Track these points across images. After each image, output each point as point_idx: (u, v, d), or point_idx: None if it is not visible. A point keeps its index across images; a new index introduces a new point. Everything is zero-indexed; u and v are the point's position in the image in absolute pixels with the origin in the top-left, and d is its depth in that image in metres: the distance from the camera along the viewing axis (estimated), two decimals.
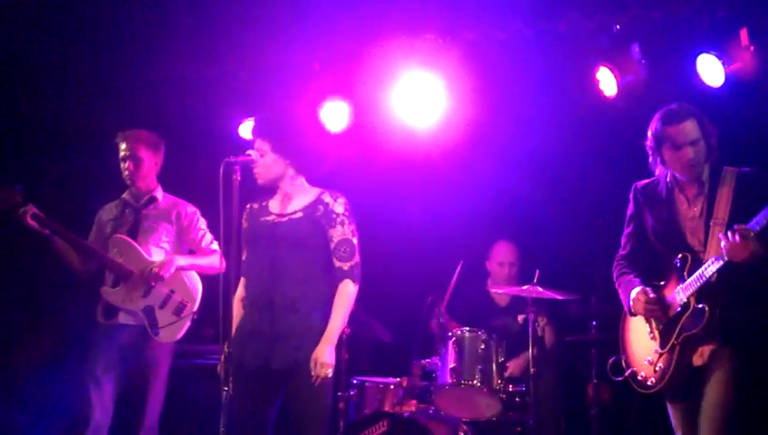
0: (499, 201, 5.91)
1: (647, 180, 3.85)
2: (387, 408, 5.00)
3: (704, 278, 3.46)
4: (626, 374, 3.79)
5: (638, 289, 3.68)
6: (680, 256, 3.59)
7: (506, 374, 4.94)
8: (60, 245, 4.67)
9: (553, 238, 5.80)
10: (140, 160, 4.78)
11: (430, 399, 5.01)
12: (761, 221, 3.31)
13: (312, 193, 3.91)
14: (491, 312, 5.58)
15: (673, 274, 3.64)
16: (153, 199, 4.85)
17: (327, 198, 3.87)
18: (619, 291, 3.83)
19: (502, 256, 5.69)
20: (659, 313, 3.61)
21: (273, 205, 3.93)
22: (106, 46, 5.53)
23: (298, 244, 3.79)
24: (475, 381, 4.87)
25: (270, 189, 3.97)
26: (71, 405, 4.63)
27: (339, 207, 3.84)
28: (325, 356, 3.68)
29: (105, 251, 4.70)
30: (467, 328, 5.04)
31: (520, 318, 5.28)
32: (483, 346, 4.94)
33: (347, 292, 3.80)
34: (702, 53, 5.00)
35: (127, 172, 4.78)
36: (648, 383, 3.67)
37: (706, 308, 3.45)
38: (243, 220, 3.93)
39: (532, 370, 4.85)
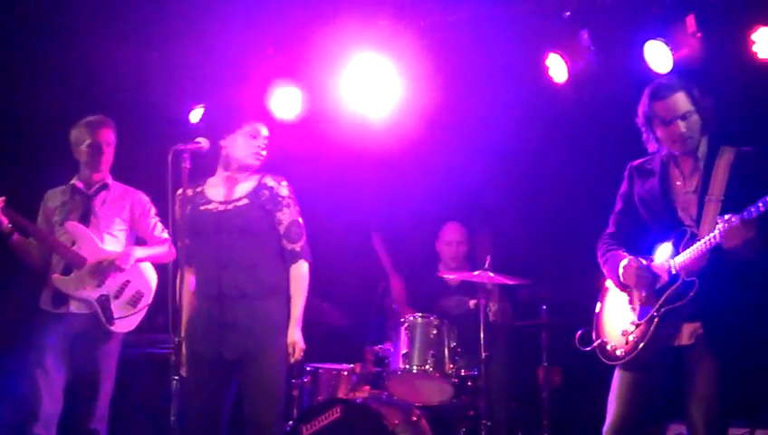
0: (451, 187, 5.93)
1: (642, 159, 3.76)
2: (340, 394, 5.00)
3: (699, 253, 3.39)
4: (594, 345, 3.76)
5: (628, 258, 3.61)
6: (679, 229, 3.53)
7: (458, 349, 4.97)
8: (20, 240, 4.58)
9: (505, 224, 5.84)
10: (111, 146, 4.71)
11: (383, 384, 5.04)
12: (759, 209, 3.23)
13: (252, 178, 3.89)
14: (442, 293, 5.60)
15: (664, 247, 3.57)
16: (105, 187, 4.77)
17: (270, 182, 3.86)
18: (605, 266, 3.75)
19: (450, 236, 5.73)
20: (650, 280, 3.55)
21: (214, 192, 3.88)
22: (53, 31, 5.42)
23: (246, 231, 3.77)
24: (427, 367, 4.90)
25: (198, 173, 3.93)
26: (17, 397, 4.54)
27: (284, 189, 3.87)
28: (299, 339, 3.79)
29: (55, 238, 4.61)
30: (420, 314, 5.06)
31: (471, 303, 5.31)
32: (435, 332, 4.97)
33: (302, 272, 3.87)
34: (650, 39, 5.05)
35: (99, 156, 4.68)
36: (617, 354, 3.64)
37: (697, 282, 3.41)
38: (176, 207, 3.85)
39: (483, 354, 4.88)
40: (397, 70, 5.65)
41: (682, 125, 3.52)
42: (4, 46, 5.46)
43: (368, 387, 5.07)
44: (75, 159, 4.75)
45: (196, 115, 5.92)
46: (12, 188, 4.56)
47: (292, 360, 3.77)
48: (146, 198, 4.85)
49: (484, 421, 4.86)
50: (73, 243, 4.61)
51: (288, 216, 3.85)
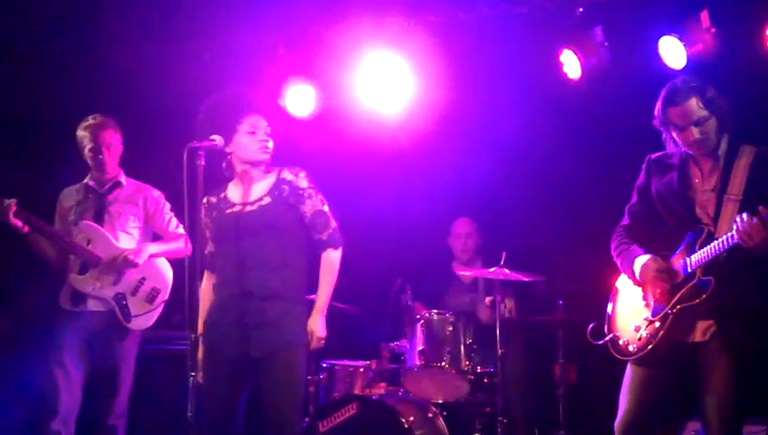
0: (465, 184, 5.93)
1: (661, 153, 3.74)
2: (356, 391, 5.02)
3: (716, 252, 3.37)
4: (606, 339, 3.76)
5: (647, 257, 3.60)
6: (696, 227, 3.51)
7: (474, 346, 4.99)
8: (36, 239, 4.61)
9: (520, 220, 5.85)
10: (112, 147, 4.72)
11: (399, 381, 5.06)
12: None
13: (270, 175, 3.88)
14: (456, 290, 5.62)
15: (681, 244, 3.56)
16: (118, 184, 4.79)
17: (289, 176, 3.84)
18: (619, 260, 3.74)
19: (459, 229, 5.75)
20: (667, 281, 3.54)
21: (234, 194, 3.87)
22: (66, 30, 5.44)
23: (271, 230, 3.75)
24: (443, 363, 4.91)
25: (222, 178, 3.92)
26: (37, 393, 4.57)
27: (303, 181, 3.83)
28: (319, 328, 3.78)
29: (71, 237, 4.64)
30: (435, 311, 5.08)
31: (488, 300, 5.32)
32: (450, 328, 4.98)
33: (330, 259, 3.84)
34: (664, 35, 5.05)
35: (100, 159, 4.70)
36: (629, 349, 3.63)
37: (713, 280, 3.40)
38: (202, 215, 3.83)
39: (499, 351, 4.89)
40: (409, 67, 5.65)
41: (696, 131, 3.50)
42: (16, 46, 5.47)
43: (384, 384, 5.09)
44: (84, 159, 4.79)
45: None
46: (25, 189, 4.60)
47: (311, 346, 3.76)
48: (159, 194, 4.87)
49: (500, 418, 4.87)
50: (89, 242, 4.63)
51: (311, 206, 3.82)
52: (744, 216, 3.27)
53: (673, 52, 5.03)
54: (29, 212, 4.51)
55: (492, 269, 5.04)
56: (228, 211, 3.84)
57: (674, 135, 3.60)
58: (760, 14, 4.89)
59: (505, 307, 5.10)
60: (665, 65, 5.05)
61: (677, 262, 3.56)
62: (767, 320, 3.48)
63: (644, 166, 3.78)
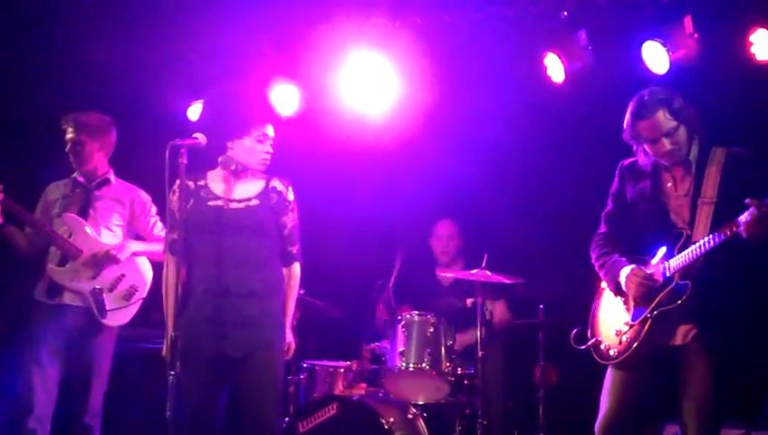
0: (448, 185, 5.94)
1: (633, 158, 3.78)
2: (336, 391, 5.01)
3: (694, 256, 3.42)
4: (589, 344, 3.80)
5: (630, 268, 3.63)
6: (674, 232, 3.56)
7: (454, 348, 5.00)
8: (10, 229, 4.58)
9: (502, 223, 5.85)
10: (82, 144, 4.69)
11: (380, 382, 5.05)
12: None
13: (259, 179, 3.87)
14: (436, 292, 5.62)
15: (660, 249, 3.60)
16: (107, 182, 4.78)
17: (279, 186, 3.87)
18: (602, 271, 3.78)
19: (441, 230, 5.75)
20: (647, 288, 3.57)
21: (216, 187, 3.83)
22: (52, 27, 5.41)
23: (255, 232, 3.76)
24: (423, 365, 4.91)
25: (199, 166, 3.88)
26: (11, 391, 4.53)
27: (291, 194, 3.91)
28: (292, 339, 3.95)
29: (52, 228, 4.60)
30: (416, 312, 5.07)
31: (468, 302, 5.32)
32: (431, 329, 4.98)
33: (296, 273, 3.98)
34: (647, 40, 5.06)
35: (71, 156, 4.70)
36: (611, 353, 3.67)
37: (690, 284, 3.44)
38: (173, 197, 3.75)
39: (480, 353, 4.89)
40: (394, 68, 5.65)
41: (667, 143, 3.55)
42: (3, 41, 5.44)
43: (364, 384, 5.08)
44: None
45: (194, 112, 5.91)
46: (11, 182, 4.56)
47: (287, 356, 3.89)
48: (147, 197, 4.86)
49: (480, 420, 4.86)
50: (70, 234, 4.61)
51: (291, 220, 3.91)
52: (747, 212, 3.27)
53: (656, 56, 5.05)
54: (12, 200, 4.47)
55: (473, 271, 5.03)
56: (210, 203, 3.80)
57: (645, 148, 3.63)
58: (743, 20, 4.91)
59: (487, 309, 5.09)
60: (648, 70, 5.06)
61: (656, 267, 3.59)
62: (745, 322, 3.52)
63: (617, 172, 3.83)
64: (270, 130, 3.88)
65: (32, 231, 4.65)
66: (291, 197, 3.90)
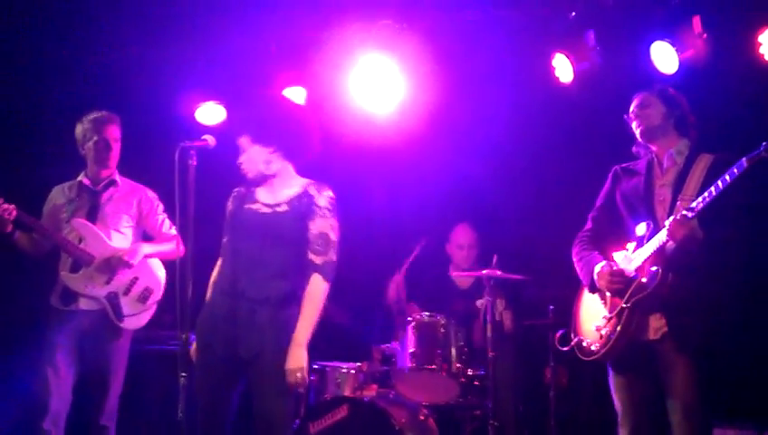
0: (458, 186, 5.95)
1: (627, 163, 3.95)
2: (347, 393, 5.00)
3: (658, 244, 3.54)
4: (572, 344, 3.88)
5: (602, 263, 3.75)
6: (644, 223, 3.67)
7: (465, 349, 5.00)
8: (20, 237, 4.59)
9: (512, 224, 5.86)
10: (113, 141, 4.70)
11: (390, 383, 5.05)
12: (701, 204, 3.42)
13: (298, 184, 3.83)
14: (452, 295, 5.62)
15: (633, 240, 3.71)
16: (113, 183, 4.77)
17: (312, 191, 3.78)
18: (579, 266, 3.90)
19: (461, 239, 5.73)
20: (621, 282, 3.66)
21: (261, 192, 3.83)
22: (60, 28, 5.41)
23: (278, 239, 3.71)
24: (434, 366, 4.91)
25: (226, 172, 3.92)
26: (27, 393, 4.54)
27: (322, 200, 3.76)
28: (294, 361, 3.60)
29: (63, 235, 4.61)
30: (427, 313, 5.08)
31: (479, 303, 5.32)
32: (442, 330, 4.98)
33: (317, 289, 3.68)
34: (656, 40, 5.07)
35: (105, 153, 4.68)
36: (592, 349, 3.75)
37: (660, 270, 3.53)
38: (228, 202, 3.85)
39: (490, 354, 4.90)
40: (402, 69, 5.66)
41: (641, 111, 3.84)
42: (11, 43, 5.45)
43: (375, 386, 5.07)
44: (82, 155, 4.75)
45: (202, 113, 5.93)
46: (17, 185, 4.57)
47: (288, 381, 3.57)
48: (153, 195, 4.86)
49: (491, 421, 4.88)
50: (81, 240, 4.61)
51: (318, 226, 3.73)
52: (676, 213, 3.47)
53: (665, 57, 5.07)
54: (22, 211, 4.48)
55: (484, 271, 5.04)
56: (246, 207, 3.81)
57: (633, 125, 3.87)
58: (751, 20, 4.92)
59: (497, 310, 5.10)
60: (657, 70, 5.08)
61: (628, 257, 3.71)
62: (718, 316, 3.58)
63: (610, 175, 3.98)
64: (240, 143, 3.82)
65: (39, 236, 4.64)
66: (322, 202, 3.75)
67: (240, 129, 3.83)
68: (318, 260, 3.69)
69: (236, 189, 3.90)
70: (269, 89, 5.68)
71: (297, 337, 3.62)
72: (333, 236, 3.74)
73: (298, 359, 3.59)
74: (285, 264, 3.70)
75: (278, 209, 3.75)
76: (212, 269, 3.90)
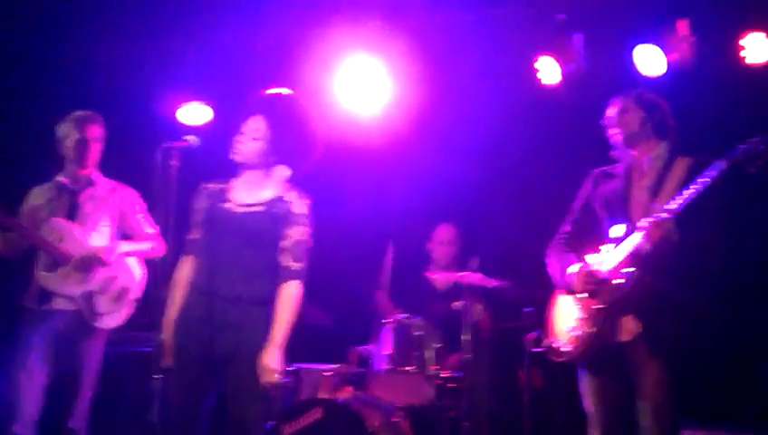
0: (441, 187, 5.94)
1: (606, 166, 3.93)
2: (322, 394, 4.99)
3: (633, 246, 3.51)
4: (544, 345, 3.86)
5: (576, 265, 3.73)
6: (619, 225, 3.64)
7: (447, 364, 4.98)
8: None
9: (495, 225, 5.84)
10: (94, 141, 4.68)
11: (366, 385, 5.03)
12: (678, 205, 3.41)
13: (273, 187, 3.80)
14: (430, 297, 5.58)
15: (607, 244, 3.69)
16: (91, 183, 4.75)
17: (289, 197, 3.76)
18: (552, 268, 3.89)
19: (442, 236, 5.71)
20: (595, 286, 3.64)
21: (233, 191, 3.81)
22: (40, 26, 5.42)
23: (253, 239, 3.70)
24: (410, 368, 4.90)
25: (208, 172, 3.87)
26: None
27: (301, 207, 3.75)
28: (272, 360, 3.60)
29: (40, 235, 4.58)
30: (403, 315, 5.07)
31: (456, 304, 5.29)
32: (418, 332, 4.97)
33: (294, 293, 3.70)
34: (642, 43, 5.07)
35: (85, 152, 4.65)
36: (564, 351, 3.73)
37: (635, 271, 3.51)
38: (197, 198, 3.80)
39: (466, 356, 4.86)
40: (388, 71, 5.65)
41: (620, 119, 3.81)
42: None
43: (350, 388, 5.05)
44: (61, 154, 4.72)
45: (184, 113, 5.91)
46: None
47: (261, 380, 3.57)
48: (135, 194, 4.83)
49: (465, 423, 4.85)
50: (59, 239, 4.58)
51: (297, 233, 3.73)
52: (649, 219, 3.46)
53: (651, 59, 5.08)
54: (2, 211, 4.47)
55: (462, 274, 5.01)
56: (221, 205, 3.77)
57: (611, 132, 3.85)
58: (737, 23, 4.93)
59: (474, 312, 5.06)
60: (642, 73, 5.06)
61: (601, 259, 3.69)
62: (699, 320, 3.57)
63: (590, 178, 3.96)
64: (250, 122, 3.78)
65: (15, 235, 4.59)
66: (299, 210, 3.74)
67: (259, 110, 3.80)
68: (294, 266, 3.70)
69: (203, 185, 3.86)
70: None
71: (275, 338, 3.62)
72: (307, 242, 3.77)
73: (275, 359, 3.60)
74: (260, 264, 3.69)
75: (254, 210, 3.73)
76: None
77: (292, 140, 3.78)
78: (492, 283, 5.00)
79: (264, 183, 3.79)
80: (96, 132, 4.69)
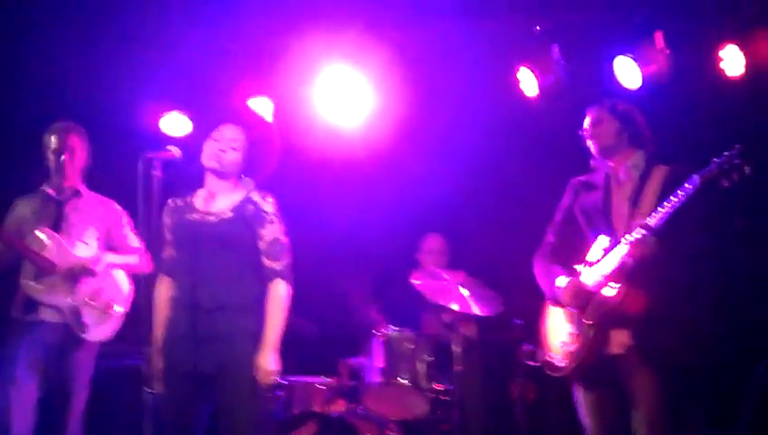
0: (423, 199, 5.95)
1: (585, 175, 3.97)
2: (315, 408, 5.00)
3: (618, 260, 3.56)
4: (538, 360, 3.89)
5: (563, 278, 3.77)
6: (602, 237, 3.69)
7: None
8: None
9: (478, 236, 5.88)
10: (75, 152, 4.65)
11: (358, 398, 5.05)
12: (657, 221, 3.46)
13: (239, 191, 3.83)
14: (420, 308, 5.59)
15: (594, 253, 3.73)
16: (77, 193, 4.72)
17: (256, 197, 3.79)
18: (541, 281, 3.92)
19: (430, 245, 5.74)
20: (584, 300, 3.67)
21: (199, 202, 3.82)
22: (22, 37, 5.33)
23: (229, 245, 3.71)
24: (402, 381, 4.93)
25: (191, 183, 3.88)
26: None
27: (269, 206, 3.78)
28: (268, 362, 3.64)
29: (24, 242, 4.53)
30: (395, 327, 5.09)
31: (445, 317, 5.33)
32: (410, 345, 4.99)
33: (280, 293, 3.72)
34: (619, 55, 5.13)
35: (61, 162, 4.62)
36: (559, 365, 3.76)
37: (621, 286, 3.55)
38: (164, 216, 3.81)
39: (457, 368, 4.91)
40: (368, 81, 5.65)
41: (594, 130, 3.87)
42: None
43: (343, 401, 5.07)
44: (45, 165, 4.69)
45: (166, 123, 5.86)
46: None
47: (259, 382, 3.62)
48: (119, 208, 4.81)
49: None
50: (44, 249, 4.53)
51: (271, 232, 3.76)
52: (634, 233, 3.51)
53: (628, 71, 5.13)
54: None
55: (448, 277, 5.05)
56: (188, 217, 3.78)
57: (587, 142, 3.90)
58: (713, 36, 5.00)
59: (464, 324, 5.10)
60: (620, 85, 5.13)
61: (589, 272, 3.71)
62: (690, 331, 3.62)
63: (568, 187, 4.01)
64: (226, 131, 3.81)
65: (2, 245, 4.56)
66: (268, 208, 3.77)
67: (234, 119, 3.84)
68: (277, 266, 3.74)
69: (170, 200, 3.85)
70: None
71: (269, 341, 3.65)
72: (284, 240, 3.79)
73: (271, 362, 3.64)
74: (238, 270, 3.70)
75: (224, 217, 3.74)
76: None
77: (263, 152, 3.87)
78: (477, 312, 5.02)
79: (230, 191, 3.82)
80: (73, 142, 4.66)
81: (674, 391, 3.56)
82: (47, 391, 4.48)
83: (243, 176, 3.86)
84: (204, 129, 3.87)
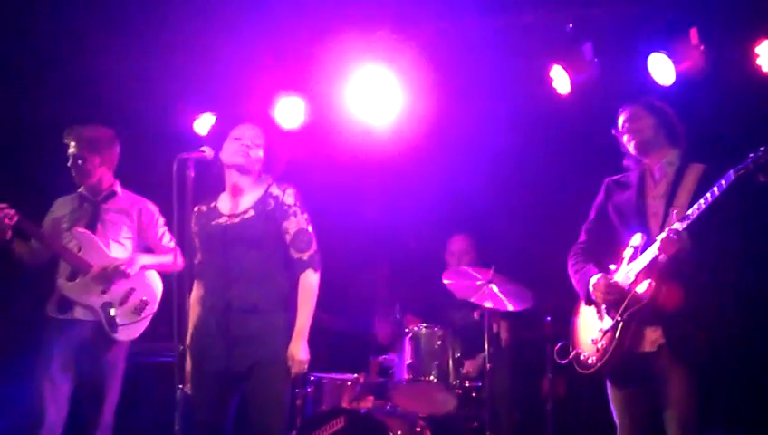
0: (455, 196, 5.96)
1: (619, 175, 3.96)
2: (344, 404, 5.01)
3: (650, 257, 3.55)
4: (570, 357, 3.88)
5: (597, 276, 3.75)
6: (636, 235, 3.67)
7: (463, 372, 4.99)
8: (18, 245, 4.60)
9: (510, 234, 5.86)
10: (83, 159, 4.70)
11: (387, 395, 5.05)
12: (690, 218, 3.44)
13: (259, 188, 3.87)
14: (449, 305, 5.59)
15: (628, 252, 3.71)
16: (113, 194, 4.79)
17: (276, 191, 3.83)
18: (575, 279, 3.90)
19: (456, 246, 5.75)
20: (615, 293, 3.66)
21: (223, 205, 3.88)
22: (58, 40, 5.42)
23: (253, 244, 3.74)
24: (431, 377, 4.91)
25: (216, 186, 3.93)
26: (21, 405, 4.52)
27: (289, 198, 3.81)
28: (300, 352, 3.69)
29: (62, 243, 4.61)
30: (424, 324, 5.08)
31: (476, 314, 5.31)
32: (439, 342, 4.98)
33: (310, 282, 3.77)
34: (653, 51, 5.08)
35: (79, 165, 4.71)
36: (589, 362, 3.75)
37: (652, 283, 3.53)
38: (192, 224, 3.87)
39: (487, 365, 4.89)
40: (399, 80, 5.66)
41: (631, 126, 3.85)
42: (11, 57, 5.46)
43: (372, 397, 5.08)
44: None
45: (200, 125, 5.93)
46: (16, 194, 4.57)
47: (292, 371, 3.67)
48: (154, 207, 4.86)
49: (487, 433, 4.86)
50: (80, 249, 4.61)
51: (294, 224, 3.79)
52: (667, 229, 3.48)
53: (662, 68, 5.08)
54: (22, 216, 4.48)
55: (479, 281, 5.02)
56: (214, 222, 3.83)
57: (624, 139, 3.88)
58: (748, 32, 4.93)
59: (494, 321, 5.08)
60: (654, 82, 5.08)
61: (622, 269, 3.71)
62: (721, 329, 3.56)
63: (603, 187, 3.99)
64: (247, 130, 3.88)
65: (38, 244, 4.65)
66: (289, 200, 3.80)
67: (254, 119, 3.94)
68: (305, 256, 3.78)
69: (196, 208, 3.93)
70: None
71: (300, 330, 3.70)
72: (310, 229, 3.82)
73: (302, 350, 3.69)
74: (267, 268, 3.74)
75: (245, 216, 3.79)
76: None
77: (280, 149, 3.96)
78: (507, 307, 5.01)
79: (251, 188, 3.87)
80: (89, 147, 4.70)
81: (704, 390, 3.52)
82: (81, 387, 4.54)
83: (260, 173, 3.92)
84: (221, 129, 3.94)
